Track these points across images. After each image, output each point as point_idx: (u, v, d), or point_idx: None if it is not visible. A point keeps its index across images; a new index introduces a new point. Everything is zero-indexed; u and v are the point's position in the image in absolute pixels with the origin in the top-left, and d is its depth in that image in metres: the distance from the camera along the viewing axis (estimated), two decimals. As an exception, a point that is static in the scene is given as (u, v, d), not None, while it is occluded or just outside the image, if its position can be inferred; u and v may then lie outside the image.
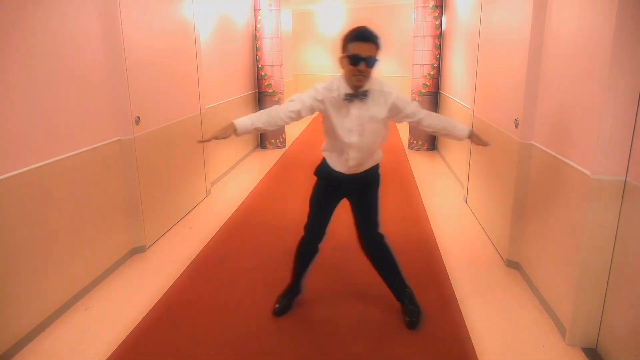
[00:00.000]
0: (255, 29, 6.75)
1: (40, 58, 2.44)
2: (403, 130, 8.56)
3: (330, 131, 2.32)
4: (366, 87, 2.22)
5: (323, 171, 2.48)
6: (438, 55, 6.67)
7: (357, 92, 2.21)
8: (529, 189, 2.97)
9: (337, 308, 2.73)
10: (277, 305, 2.66)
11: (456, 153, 5.53)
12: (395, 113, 2.30)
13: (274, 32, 6.74)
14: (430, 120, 2.35)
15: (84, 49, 2.81)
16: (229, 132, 2.15)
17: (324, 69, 12.46)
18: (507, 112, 3.23)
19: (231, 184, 5.37)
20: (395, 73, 11.64)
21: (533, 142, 2.90)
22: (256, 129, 2.23)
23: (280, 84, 7.02)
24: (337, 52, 2.23)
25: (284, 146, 7.38)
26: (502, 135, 3.35)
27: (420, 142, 7.03)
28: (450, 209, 4.46)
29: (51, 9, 2.52)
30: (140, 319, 2.62)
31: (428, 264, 3.30)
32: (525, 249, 3.05)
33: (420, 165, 6.18)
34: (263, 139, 7.23)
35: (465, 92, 5.06)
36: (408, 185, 5.23)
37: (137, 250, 3.46)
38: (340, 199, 2.53)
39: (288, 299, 2.71)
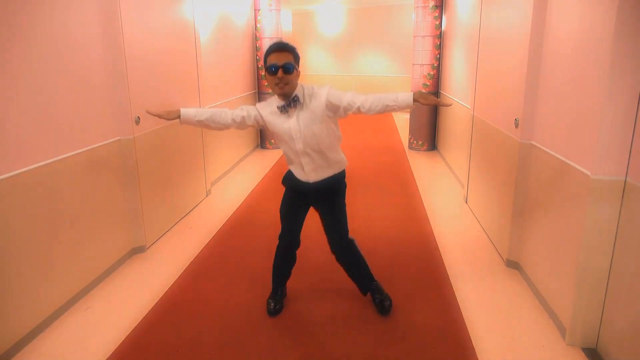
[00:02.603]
0: (255, 29, 6.75)
1: (40, 58, 2.44)
2: (403, 130, 8.56)
3: (280, 143, 2.44)
4: (295, 93, 2.30)
5: (289, 180, 2.55)
6: (438, 55, 6.67)
7: (288, 101, 2.30)
8: (529, 189, 2.97)
9: (337, 308, 2.73)
10: (271, 308, 2.66)
11: (456, 153, 5.53)
12: (333, 109, 2.31)
13: (274, 32, 6.73)
14: (369, 103, 2.27)
15: (84, 49, 2.81)
16: (173, 115, 2.40)
17: (324, 69, 12.47)
18: (507, 112, 3.23)
19: (231, 184, 5.38)
20: (395, 73, 11.64)
21: (533, 142, 2.90)
22: (199, 122, 2.43)
23: (280, 84, 7.01)
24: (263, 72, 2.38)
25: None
26: (502, 135, 3.35)
27: (420, 142, 7.03)
28: (450, 209, 4.46)
29: (51, 9, 2.52)
30: (140, 319, 2.62)
31: (428, 264, 3.30)
32: (525, 249, 3.05)
33: (420, 165, 6.18)
34: (263, 139, 7.24)
35: (465, 92, 5.07)
36: (408, 185, 5.23)
37: (137, 250, 3.46)
38: (308, 207, 2.59)
39: (279, 299, 2.72)
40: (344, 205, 2.56)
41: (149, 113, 2.45)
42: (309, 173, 2.41)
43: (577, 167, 2.30)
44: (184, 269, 3.23)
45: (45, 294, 2.54)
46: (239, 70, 6.27)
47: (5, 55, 2.22)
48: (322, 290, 2.94)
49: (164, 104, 3.75)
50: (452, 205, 4.57)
